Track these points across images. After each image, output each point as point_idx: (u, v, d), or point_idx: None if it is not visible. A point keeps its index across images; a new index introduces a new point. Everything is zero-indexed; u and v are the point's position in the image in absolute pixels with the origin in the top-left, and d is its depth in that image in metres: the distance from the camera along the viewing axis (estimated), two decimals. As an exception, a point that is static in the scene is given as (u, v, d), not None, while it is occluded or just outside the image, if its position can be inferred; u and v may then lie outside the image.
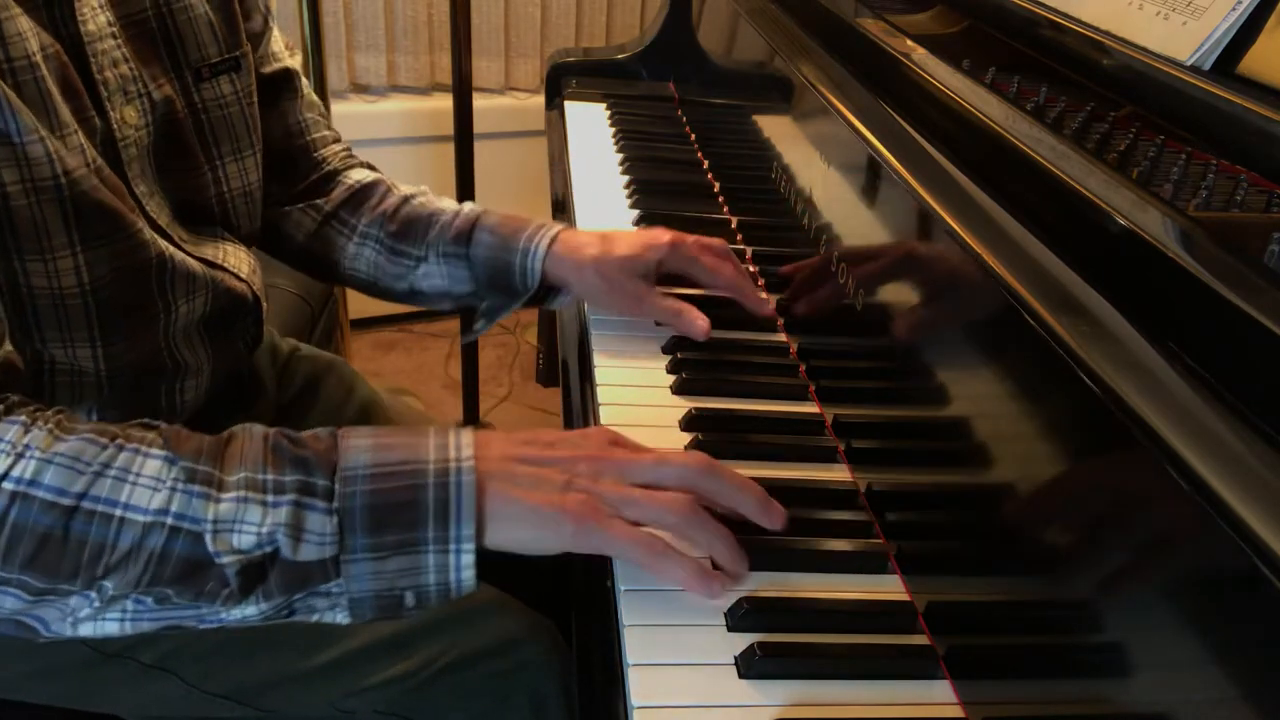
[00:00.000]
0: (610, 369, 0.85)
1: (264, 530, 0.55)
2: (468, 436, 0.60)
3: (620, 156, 1.30)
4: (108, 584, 0.55)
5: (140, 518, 0.55)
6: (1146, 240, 0.51)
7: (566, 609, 0.69)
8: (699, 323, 0.87)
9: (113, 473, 0.56)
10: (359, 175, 0.98)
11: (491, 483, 0.59)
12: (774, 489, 0.72)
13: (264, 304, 0.87)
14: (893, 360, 0.72)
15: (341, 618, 0.58)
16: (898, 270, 0.73)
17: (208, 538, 0.55)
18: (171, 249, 0.75)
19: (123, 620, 0.57)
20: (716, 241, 0.93)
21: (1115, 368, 0.46)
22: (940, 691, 0.59)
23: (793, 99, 0.97)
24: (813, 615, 0.63)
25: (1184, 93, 0.66)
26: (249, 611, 0.58)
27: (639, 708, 0.56)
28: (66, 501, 0.54)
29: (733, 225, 1.12)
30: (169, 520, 0.55)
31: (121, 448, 0.57)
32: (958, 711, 0.58)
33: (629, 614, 0.61)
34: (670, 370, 0.86)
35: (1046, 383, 0.52)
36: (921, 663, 0.61)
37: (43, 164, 0.63)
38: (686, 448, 0.76)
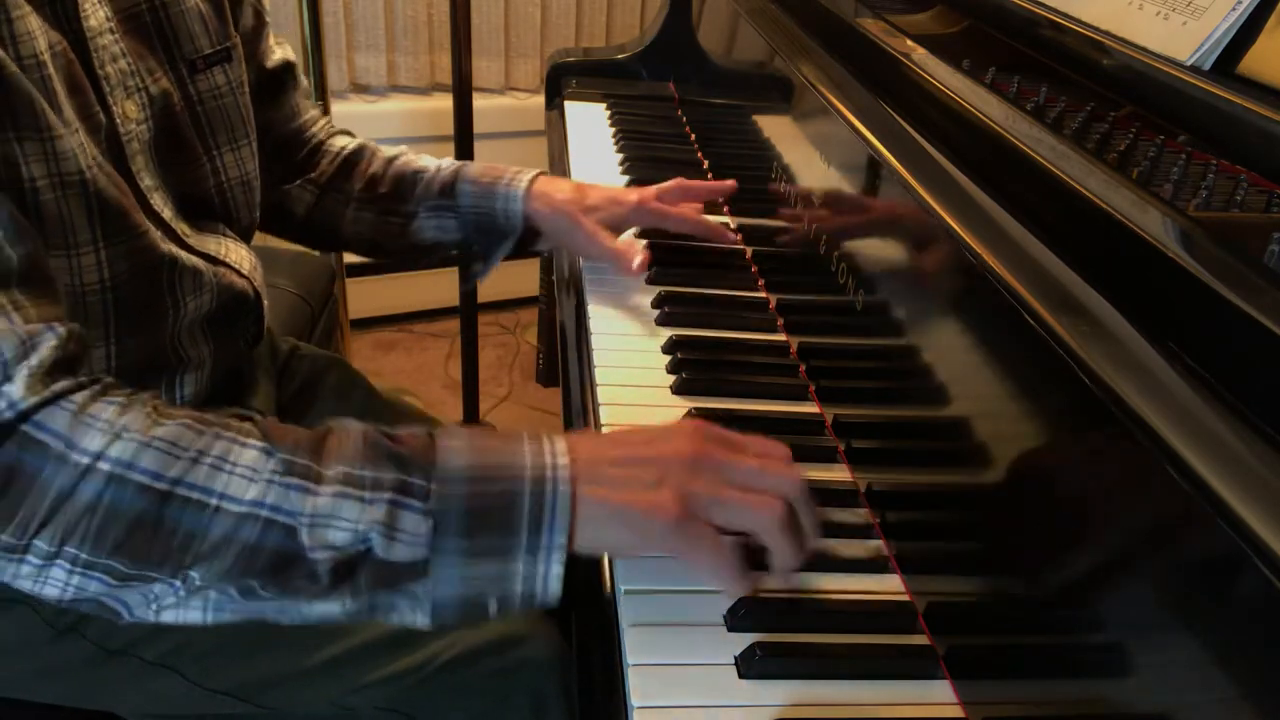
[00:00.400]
0: (610, 369, 0.86)
1: (360, 527, 0.55)
2: (562, 444, 0.59)
3: (620, 156, 1.30)
4: (194, 574, 0.55)
5: (235, 508, 0.54)
6: (1146, 240, 0.51)
7: (567, 608, 0.69)
8: (634, 259, 0.95)
9: (209, 460, 0.55)
10: (342, 142, 1.04)
11: (582, 485, 0.57)
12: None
13: (264, 300, 0.88)
14: (893, 360, 0.72)
15: (422, 620, 0.57)
16: (897, 270, 0.73)
17: (303, 532, 0.54)
18: (177, 248, 0.75)
19: (205, 610, 0.57)
20: (670, 184, 1.02)
21: (1115, 368, 0.46)
22: (940, 691, 0.59)
23: (793, 99, 0.97)
24: (813, 615, 0.63)
25: (1184, 93, 0.66)
26: (333, 608, 0.57)
27: (639, 708, 0.56)
28: (162, 486, 0.54)
29: (733, 225, 1.12)
30: (264, 512, 0.54)
31: (219, 436, 0.56)
32: (958, 711, 0.58)
33: (629, 614, 0.61)
34: (670, 370, 0.86)
35: (1046, 383, 0.52)
36: (921, 663, 0.61)
37: (69, 159, 0.64)
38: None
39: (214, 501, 0.54)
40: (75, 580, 0.54)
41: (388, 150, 1.04)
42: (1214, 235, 0.51)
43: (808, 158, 0.92)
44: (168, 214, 0.77)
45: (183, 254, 0.76)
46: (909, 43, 0.87)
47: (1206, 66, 0.66)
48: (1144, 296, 0.50)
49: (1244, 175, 0.61)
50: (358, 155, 1.03)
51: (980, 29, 0.92)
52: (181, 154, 0.79)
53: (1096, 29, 0.75)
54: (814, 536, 0.62)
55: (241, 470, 0.55)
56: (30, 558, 0.54)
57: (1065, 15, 0.79)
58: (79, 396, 0.55)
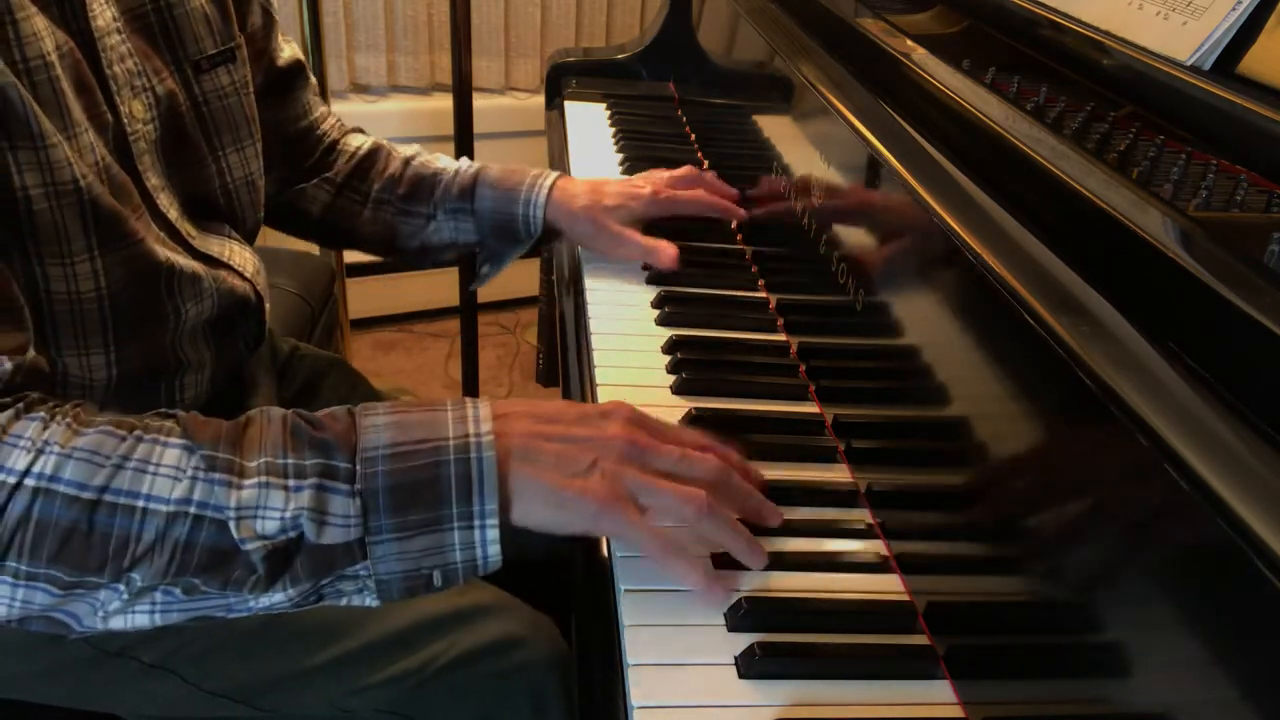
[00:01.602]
0: (610, 369, 0.86)
1: (287, 515, 0.55)
2: (485, 409, 0.60)
3: (620, 156, 1.30)
4: (135, 576, 0.55)
5: (163, 508, 0.55)
6: (1146, 240, 0.51)
7: (567, 608, 0.69)
8: (667, 253, 0.97)
9: (132, 464, 0.56)
10: (357, 142, 1.05)
11: (515, 461, 0.59)
12: (774, 489, 0.73)
13: (266, 304, 0.88)
14: (893, 360, 0.72)
15: (370, 600, 0.58)
16: (897, 270, 0.73)
17: (231, 525, 0.55)
18: (178, 254, 0.75)
19: (152, 612, 0.57)
20: (682, 171, 1.05)
21: (1115, 368, 0.46)
22: (940, 691, 0.59)
23: (793, 99, 0.97)
24: (813, 615, 0.63)
25: (1184, 93, 0.66)
26: (277, 598, 0.57)
27: (639, 708, 0.56)
28: (88, 495, 0.54)
29: (733, 225, 1.12)
30: (192, 509, 0.55)
31: (140, 439, 0.57)
32: (958, 711, 0.58)
33: (629, 614, 0.61)
34: (670, 370, 0.86)
35: (1046, 383, 0.52)
36: (921, 663, 0.61)
37: (63, 167, 0.64)
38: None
39: (141, 504, 0.55)
40: (20, 594, 0.55)
41: (404, 150, 1.05)
42: (1214, 235, 0.51)
43: (808, 158, 0.92)
44: (173, 214, 0.77)
45: (182, 260, 0.76)
46: (909, 43, 0.87)
47: (1206, 66, 0.66)
48: (1144, 296, 0.50)
49: (1244, 175, 0.61)
50: (374, 155, 1.04)
51: (980, 29, 0.92)
52: (187, 154, 0.80)
53: (1096, 29, 0.75)
54: (765, 509, 0.66)
55: (165, 470, 0.56)
56: None
57: (1065, 15, 0.79)
58: (2, 418, 0.56)
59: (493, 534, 0.57)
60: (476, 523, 0.57)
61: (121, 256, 0.70)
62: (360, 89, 2.35)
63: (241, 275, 0.84)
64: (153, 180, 0.75)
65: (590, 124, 1.41)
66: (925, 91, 0.77)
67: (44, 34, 0.64)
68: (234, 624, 0.76)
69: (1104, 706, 0.47)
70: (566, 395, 0.88)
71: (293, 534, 0.55)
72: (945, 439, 0.64)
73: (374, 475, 0.56)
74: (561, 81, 1.55)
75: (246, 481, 0.56)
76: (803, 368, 0.87)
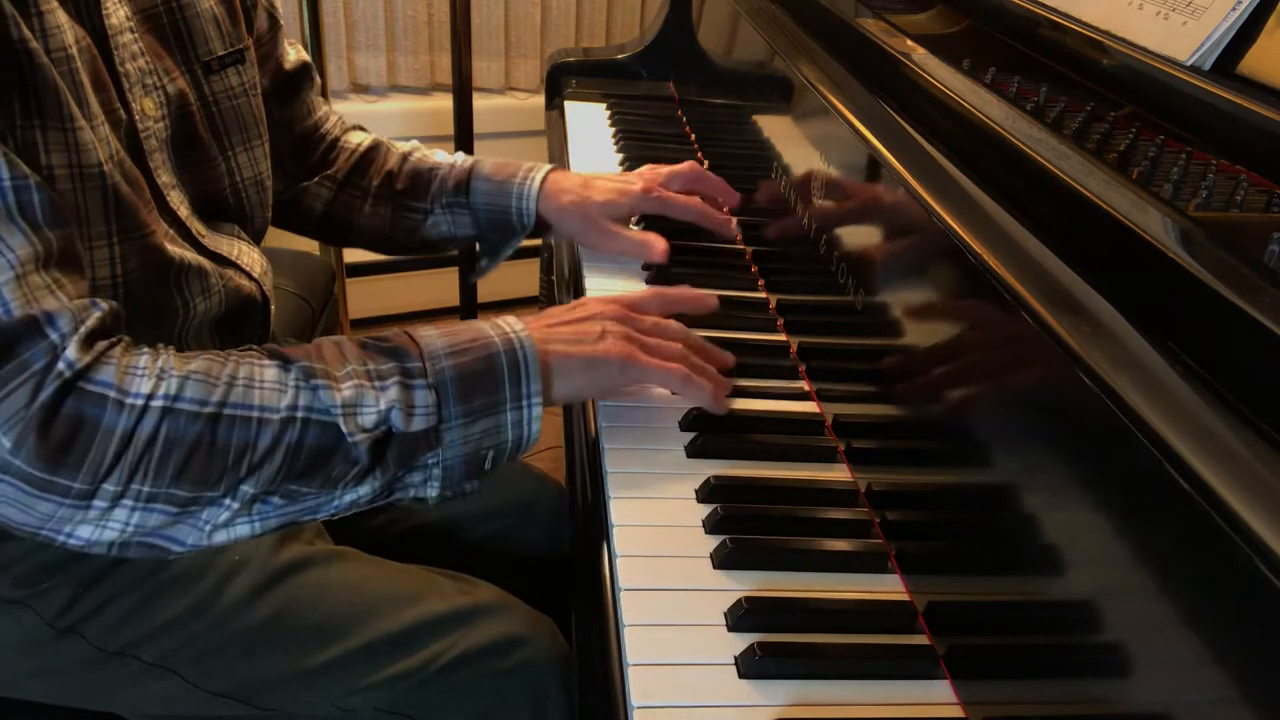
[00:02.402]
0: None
1: (381, 409, 0.63)
2: (513, 317, 0.71)
3: (620, 156, 1.30)
4: (247, 485, 0.61)
5: (275, 415, 0.61)
6: (1146, 240, 0.51)
7: (567, 608, 0.69)
8: (656, 247, 0.99)
9: (241, 381, 0.62)
10: (357, 139, 1.07)
11: (545, 345, 0.70)
12: (774, 489, 0.73)
13: (272, 306, 0.88)
14: (893, 360, 0.72)
15: (433, 490, 0.66)
16: (897, 270, 0.73)
17: (340, 421, 0.62)
18: (187, 250, 0.76)
19: (252, 522, 0.64)
20: (683, 168, 1.05)
21: (1115, 368, 0.46)
22: (940, 691, 0.59)
23: (793, 99, 0.97)
24: (813, 615, 0.63)
25: (1184, 93, 0.66)
26: (362, 491, 0.65)
27: (639, 708, 0.56)
28: (209, 410, 0.61)
29: (733, 225, 1.12)
30: (300, 414, 0.62)
31: (239, 362, 0.63)
32: (958, 711, 0.58)
33: (629, 614, 0.61)
34: (670, 370, 0.86)
35: (1046, 383, 0.52)
36: (921, 663, 0.61)
37: (89, 150, 0.66)
38: (687, 447, 0.76)
39: (256, 414, 0.61)
40: (135, 518, 0.60)
41: (402, 146, 1.07)
42: (1214, 235, 0.51)
43: (808, 158, 0.92)
44: (183, 212, 0.78)
45: (191, 255, 0.77)
46: (909, 43, 0.87)
47: (1206, 66, 0.66)
48: (1144, 296, 0.50)
49: (1244, 175, 0.61)
50: (373, 152, 1.06)
51: (980, 29, 0.92)
52: (197, 153, 0.81)
53: (1096, 29, 0.75)
54: (714, 376, 0.78)
55: (269, 385, 0.63)
56: (97, 502, 0.59)
57: (1065, 15, 0.79)
58: (116, 351, 0.61)
59: (537, 411, 0.68)
60: (525, 403, 0.67)
61: (137, 246, 0.71)
62: (360, 89, 2.35)
63: (249, 275, 0.85)
64: (164, 178, 0.76)
65: (590, 124, 1.41)
66: (925, 91, 0.77)
67: (65, 27, 0.66)
68: (235, 624, 0.77)
69: (1104, 706, 0.47)
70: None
71: (385, 426, 0.63)
72: (945, 439, 0.64)
73: (441, 370, 0.65)
74: (561, 81, 1.55)
75: (343, 385, 0.63)
76: (803, 368, 0.87)
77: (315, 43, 1.83)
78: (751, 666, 0.58)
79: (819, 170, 0.88)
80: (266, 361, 0.64)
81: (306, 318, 1.52)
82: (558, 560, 0.97)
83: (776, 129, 1.05)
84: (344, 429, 0.62)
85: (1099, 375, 0.46)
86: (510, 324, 0.70)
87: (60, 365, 0.58)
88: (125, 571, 0.77)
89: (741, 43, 1.23)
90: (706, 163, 1.28)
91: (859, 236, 0.80)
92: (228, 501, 0.61)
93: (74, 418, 0.58)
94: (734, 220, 1.13)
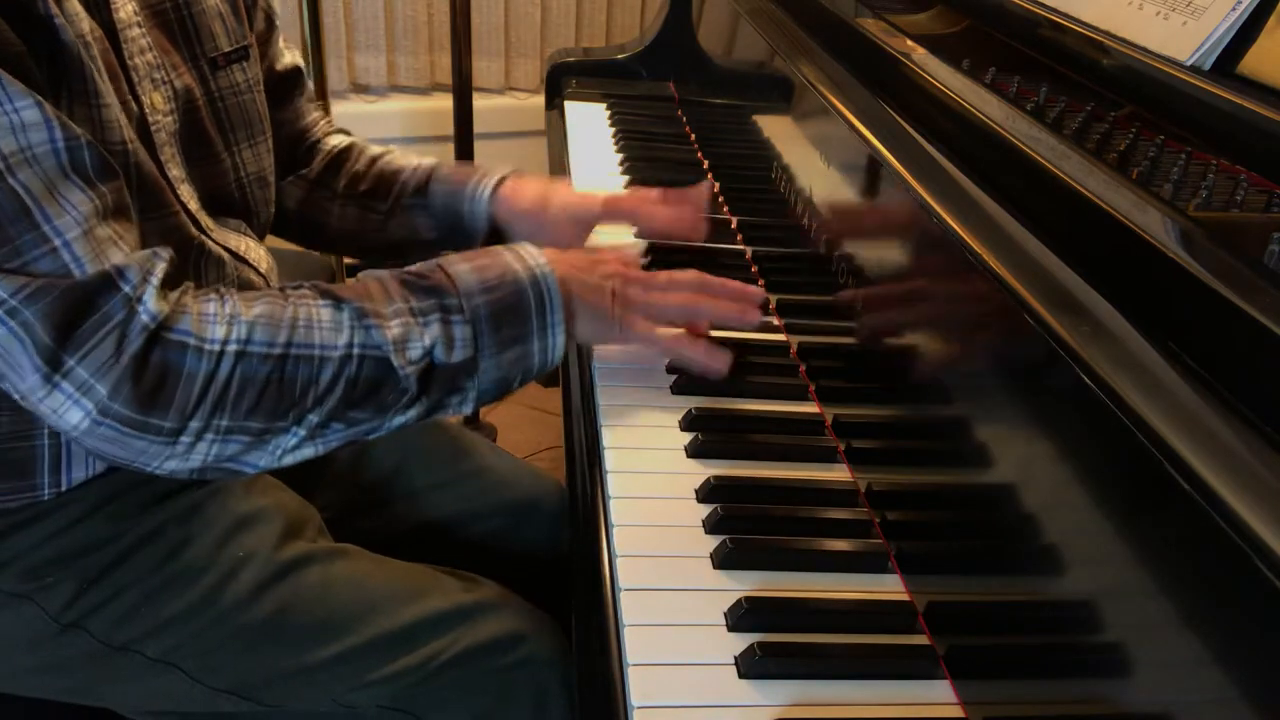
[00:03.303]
0: (610, 369, 0.85)
1: (426, 342, 0.69)
2: (533, 248, 0.76)
3: (620, 156, 1.30)
4: (313, 416, 0.67)
5: (335, 353, 0.67)
6: (1146, 240, 0.51)
7: (568, 606, 0.69)
8: (624, 252, 0.94)
9: (302, 323, 0.68)
10: (335, 140, 1.07)
11: (565, 284, 0.74)
12: (774, 489, 0.73)
13: None
14: (893, 360, 0.72)
15: (468, 408, 0.73)
16: (897, 270, 0.73)
17: (392, 356, 0.68)
18: (204, 236, 0.78)
19: (316, 445, 0.69)
20: (653, 192, 1.01)
21: (1115, 368, 0.46)
22: (940, 691, 0.59)
23: (793, 99, 0.97)
24: (813, 615, 0.63)
25: (1184, 93, 0.66)
26: (410, 414, 0.71)
27: (639, 708, 0.56)
28: (277, 351, 0.66)
29: (733, 225, 1.12)
30: (357, 350, 0.68)
31: (297, 305, 0.69)
32: (958, 711, 0.58)
33: (629, 614, 0.61)
34: (670, 370, 0.86)
35: (1046, 383, 0.52)
36: (921, 663, 0.61)
37: (114, 128, 0.68)
38: (687, 447, 0.76)
39: (318, 353, 0.67)
40: (215, 449, 0.66)
41: (375, 149, 1.06)
42: (1214, 235, 0.51)
43: (808, 158, 0.92)
44: (194, 206, 0.79)
45: (210, 243, 0.78)
46: (909, 43, 0.87)
47: (1206, 66, 0.66)
48: (1144, 296, 0.50)
49: (1244, 175, 0.61)
50: (345, 153, 1.05)
51: (980, 29, 0.92)
52: (204, 149, 0.81)
53: (1096, 29, 0.75)
54: (747, 292, 0.84)
55: (327, 325, 0.68)
56: (184, 438, 0.65)
57: (1065, 15, 0.79)
58: (188, 299, 0.66)
59: (560, 337, 0.74)
60: (550, 331, 0.73)
61: (161, 226, 0.73)
62: (360, 89, 2.35)
63: (257, 270, 0.86)
64: (174, 171, 0.77)
65: (590, 124, 1.41)
66: (925, 91, 0.77)
67: (82, 16, 0.67)
68: (238, 620, 0.77)
69: (1104, 706, 0.47)
70: (566, 396, 0.88)
71: (429, 359, 0.69)
72: (945, 439, 0.64)
73: (477, 307, 0.71)
74: (561, 81, 1.55)
75: (391, 323, 0.69)
76: (803, 368, 0.87)
77: (315, 43, 1.83)
78: (751, 666, 0.58)
79: (819, 170, 0.88)
80: (321, 302, 0.69)
81: (306, 317, 1.52)
82: (559, 559, 0.97)
83: (776, 129, 1.05)
84: (395, 363, 0.68)
85: (1099, 375, 0.46)
86: (534, 255, 0.75)
87: (144, 317, 0.63)
88: (129, 566, 0.77)
89: (741, 43, 1.23)
90: (707, 162, 1.28)
91: (859, 237, 0.80)
92: (296, 430, 0.67)
93: (161, 365, 0.64)
94: (733, 223, 1.13)
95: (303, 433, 0.68)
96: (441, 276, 0.72)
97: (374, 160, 1.04)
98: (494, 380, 0.72)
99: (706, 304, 0.82)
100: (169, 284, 0.66)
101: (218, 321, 0.66)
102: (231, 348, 0.65)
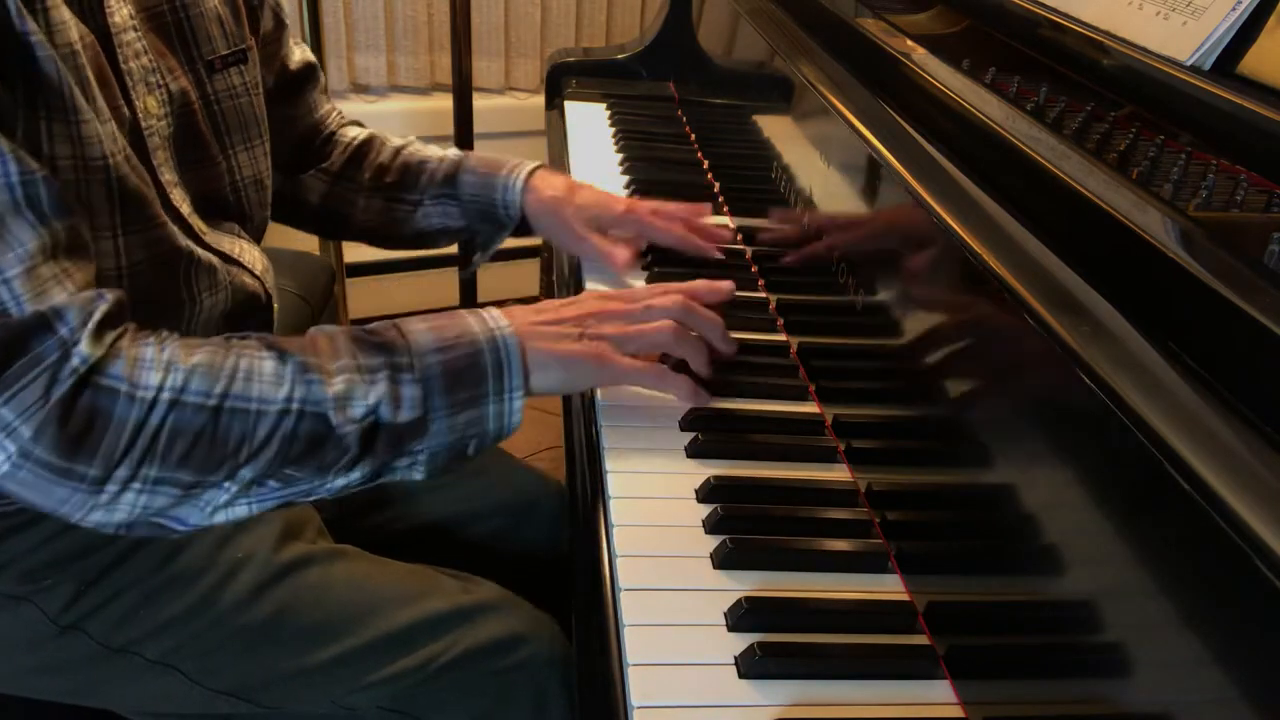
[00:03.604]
0: (610, 369, 0.85)
1: (369, 402, 0.66)
2: (496, 311, 0.73)
3: (620, 156, 1.30)
4: (246, 471, 0.64)
5: (273, 407, 0.64)
6: (1146, 240, 0.51)
7: (568, 606, 0.69)
8: (618, 256, 0.97)
9: (241, 373, 0.65)
10: (353, 133, 1.08)
11: (526, 341, 0.72)
12: (774, 489, 0.73)
13: (275, 304, 0.89)
14: (893, 360, 0.72)
15: (418, 473, 0.69)
16: (897, 270, 0.73)
17: (331, 414, 0.65)
18: (194, 244, 0.77)
19: (250, 503, 0.67)
20: (671, 206, 1.02)
21: (1115, 368, 0.46)
22: (940, 691, 0.59)
23: (793, 99, 0.97)
24: (813, 615, 0.63)
25: (1184, 93, 0.66)
26: (353, 477, 0.68)
27: (639, 708, 0.56)
28: (213, 402, 0.64)
29: (732, 225, 1.12)
30: (295, 406, 0.65)
31: (240, 354, 0.66)
32: (958, 711, 0.58)
33: (629, 614, 0.61)
34: (671, 370, 0.85)
35: (1046, 383, 0.52)
36: (921, 663, 0.61)
37: (94, 143, 0.67)
38: (687, 447, 0.76)
39: (255, 406, 0.64)
40: (143, 500, 0.64)
41: (395, 140, 1.08)
42: (1214, 235, 0.51)
43: (808, 158, 0.92)
44: (185, 210, 0.78)
45: (200, 250, 0.77)
46: (909, 43, 0.87)
47: (1206, 66, 0.66)
48: (1144, 296, 0.50)
49: (1244, 175, 0.61)
50: (367, 145, 1.06)
51: (980, 29, 0.92)
52: (198, 152, 0.81)
53: (1096, 29, 0.75)
54: (719, 339, 0.81)
55: (268, 377, 0.65)
56: (109, 487, 0.62)
57: (1065, 15, 0.79)
58: (125, 342, 0.64)
59: (519, 403, 0.70)
60: (507, 396, 0.70)
61: (145, 239, 0.72)
62: (360, 89, 2.35)
63: (251, 273, 0.85)
64: (167, 176, 0.76)
65: (590, 124, 1.41)
66: (925, 91, 0.77)
67: (70, 24, 0.66)
68: (237, 621, 0.77)
69: (1104, 706, 0.47)
70: (566, 401, 0.88)
71: (373, 417, 0.66)
72: (945, 439, 0.64)
73: (429, 366, 0.68)
74: (561, 81, 1.55)
75: (335, 379, 0.66)
76: (803, 368, 0.87)
77: (315, 43, 1.84)
78: (752, 666, 0.58)
79: (819, 170, 0.88)
80: (264, 353, 0.66)
81: (306, 317, 1.52)
82: (558, 559, 0.97)
83: (776, 129, 1.05)
84: (334, 420, 0.65)
85: (1099, 375, 0.46)
86: (495, 318, 0.72)
87: (75, 360, 0.61)
88: (128, 568, 0.77)
89: (741, 43, 1.23)
90: (707, 163, 1.28)
91: (859, 237, 0.80)
92: (228, 485, 0.64)
93: (89, 410, 0.61)
94: (733, 224, 1.13)
95: (235, 488, 0.65)
96: (395, 334, 0.70)
97: (397, 151, 1.06)
98: (446, 444, 0.69)
99: (690, 340, 0.79)
100: (109, 325, 0.64)
101: (153, 368, 0.63)
102: (165, 395, 0.62)
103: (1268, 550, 0.36)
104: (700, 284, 0.82)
